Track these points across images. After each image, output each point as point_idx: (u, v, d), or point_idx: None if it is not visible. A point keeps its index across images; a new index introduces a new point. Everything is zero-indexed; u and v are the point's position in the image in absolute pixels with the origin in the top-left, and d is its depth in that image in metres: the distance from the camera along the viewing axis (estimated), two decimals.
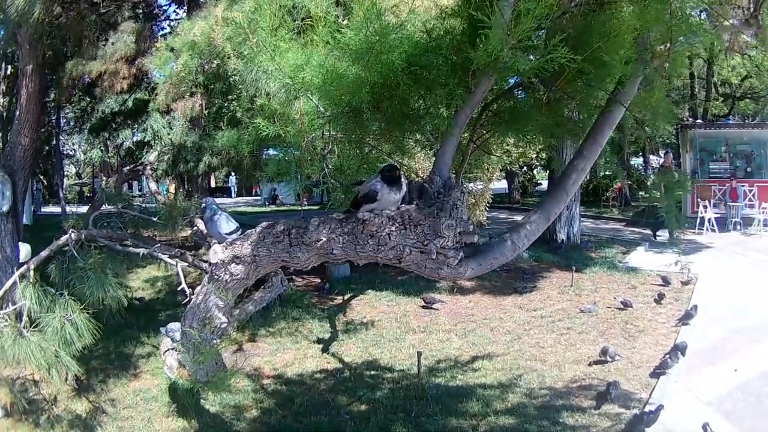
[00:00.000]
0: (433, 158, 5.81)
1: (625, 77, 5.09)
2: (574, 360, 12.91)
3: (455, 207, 4.69)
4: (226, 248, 5.68)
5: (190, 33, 14.30)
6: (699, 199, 26.70)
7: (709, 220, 25.29)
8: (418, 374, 11.96)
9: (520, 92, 5.82)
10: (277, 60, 4.85)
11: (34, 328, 7.69)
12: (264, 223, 5.56)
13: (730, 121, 38.93)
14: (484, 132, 5.98)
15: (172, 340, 11.41)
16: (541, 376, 12.16)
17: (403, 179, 4.83)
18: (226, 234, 6.60)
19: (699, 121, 34.37)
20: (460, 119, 4.93)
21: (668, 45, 5.09)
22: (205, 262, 7.04)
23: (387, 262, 4.98)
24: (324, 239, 4.98)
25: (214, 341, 6.15)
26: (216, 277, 5.70)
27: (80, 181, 63.24)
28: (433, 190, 4.87)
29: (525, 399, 11.24)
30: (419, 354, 12.08)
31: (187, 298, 7.35)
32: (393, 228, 4.76)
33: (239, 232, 6.57)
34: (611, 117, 5.28)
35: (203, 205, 7.27)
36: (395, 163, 5.42)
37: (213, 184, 60.87)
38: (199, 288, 6.20)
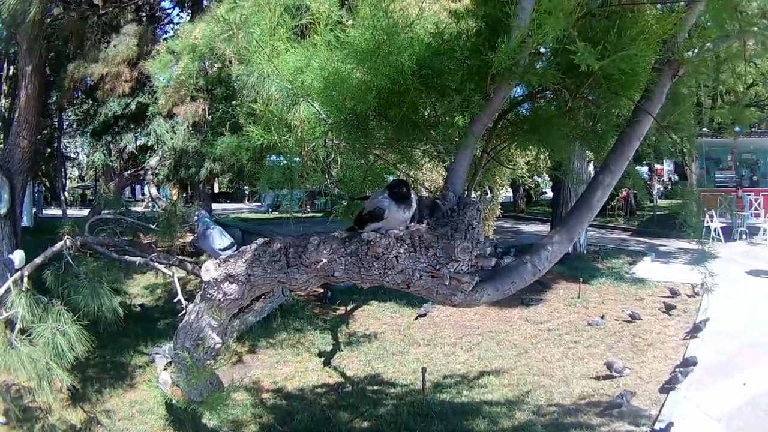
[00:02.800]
0: (442, 169, 5.47)
1: (652, 85, 4.72)
2: (582, 375, 12.63)
3: (471, 227, 4.27)
4: (219, 265, 5.29)
5: (191, 36, 14.09)
6: (705, 209, 26.31)
7: (715, 229, 24.97)
8: (423, 390, 11.63)
9: (538, 101, 5.44)
10: (274, 62, 4.48)
11: (26, 337, 7.39)
12: (260, 240, 5.16)
13: (736, 130, 38.58)
14: (500, 142, 5.60)
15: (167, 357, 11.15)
16: (549, 392, 11.87)
17: (412, 195, 4.42)
18: (220, 250, 6.26)
19: (704, 129, 33.97)
20: (476, 129, 4.52)
21: (695, 51, 4.78)
22: None
23: (394, 287, 4.55)
24: (324, 260, 4.55)
25: (208, 362, 5.80)
26: (209, 296, 5.32)
27: (83, 183, 63.18)
28: (446, 207, 4.44)
29: (533, 416, 10.93)
30: (424, 370, 11.75)
31: (184, 310, 7.01)
32: (401, 250, 4.33)
33: (234, 248, 6.23)
34: (638, 128, 4.86)
35: (195, 218, 6.93)
36: (404, 177, 5.06)
37: (243, 192, 60.55)
38: (191, 306, 5.84)
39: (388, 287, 4.60)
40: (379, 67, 4.09)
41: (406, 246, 4.32)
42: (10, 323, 7.54)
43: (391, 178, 5.01)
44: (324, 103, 4.64)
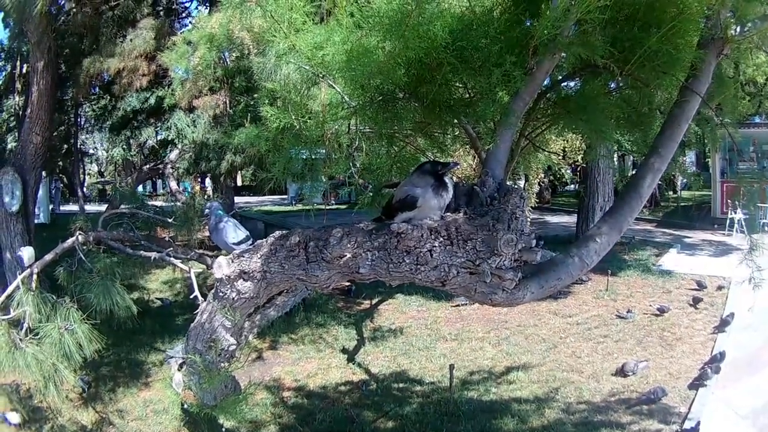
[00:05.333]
0: (471, 158, 5.10)
1: (699, 63, 4.45)
2: (612, 371, 12.41)
3: (514, 217, 3.85)
4: (232, 261, 4.88)
5: (208, 25, 13.89)
6: (728, 200, 25.96)
7: (739, 221, 24.57)
8: (450, 388, 11.41)
9: (580, 79, 5.06)
10: (291, 38, 4.08)
11: (34, 336, 7.10)
12: (277, 233, 4.74)
13: (757, 121, 38.44)
14: (539, 125, 5.21)
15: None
16: (578, 389, 11.69)
17: (447, 180, 3.98)
18: (234, 244, 5.87)
19: (727, 120, 33.35)
20: (518, 106, 4.15)
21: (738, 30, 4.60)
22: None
23: (427, 285, 4.11)
24: (348, 255, 4.11)
25: (222, 365, 5.41)
26: (221, 294, 4.91)
27: (102, 179, 63.33)
28: (486, 194, 4.00)
29: (562, 415, 10.77)
30: (451, 367, 11.56)
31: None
32: (436, 243, 3.88)
33: (249, 242, 5.84)
34: (687, 108, 4.57)
35: (207, 210, 6.55)
36: (437, 160, 4.63)
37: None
38: (203, 305, 5.44)
39: (420, 285, 4.17)
40: (409, 38, 3.69)
41: (442, 238, 3.88)
42: (16, 322, 7.26)
43: None
44: (347, 82, 4.25)
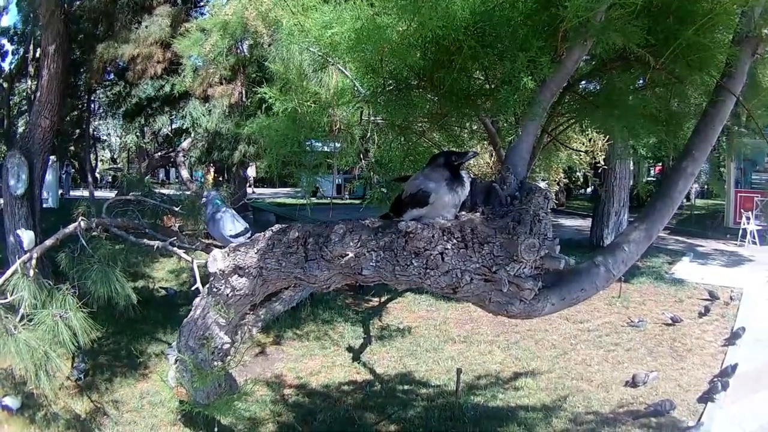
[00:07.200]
0: (492, 152, 4.80)
1: (733, 61, 4.21)
2: (622, 381, 12.15)
3: (538, 219, 3.50)
4: (227, 255, 4.58)
5: (222, 12, 13.72)
6: (741, 210, 25.73)
7: (751, 232, 24.65)
8: (456, 392, 11.16)
9: (610, 72, 4.75)
10: (299, 17, 3.76)
11: (29, 323, 7.03)
12: (276, 227, 4.44)
13: None
14: (563, 121, 4.90)
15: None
16: (587, 399, 11.41)
17: (464, 175, 3.64)
18: (231, 236, 5.56)
19: (743, 129, 33.00)
20: (544, 97, 3.83)
21: None
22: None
23: (437, 291, 3.79)
24: (351, 255, 3.79)
25: (215, 363, 5.12)
26: (215, 290, 4.61)
27: (115, 165, 63.47)
28: (506, 193, 3.65)
29: (569, 425, 10.49)
30: (459, 371, 11.27)
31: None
32: (449, 245, 3.55)
33: (248, 235, 5.54)
34: (722, 109, 4.28)
35: (204, 199, 6.28)
36: (452, 150, 4.32)
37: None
38: (197, 300, 5.14)
39: (429, 291, 3.85)
40: (426, 16, 3.36)
41: (455, 240, 3.55)
42: (12, 308, 7.09)
43: None
44: (358, 66, 3.94)
